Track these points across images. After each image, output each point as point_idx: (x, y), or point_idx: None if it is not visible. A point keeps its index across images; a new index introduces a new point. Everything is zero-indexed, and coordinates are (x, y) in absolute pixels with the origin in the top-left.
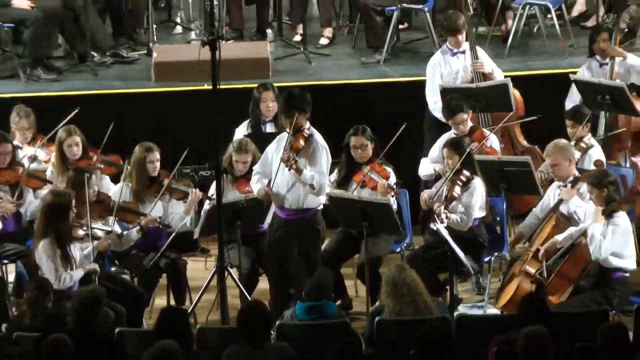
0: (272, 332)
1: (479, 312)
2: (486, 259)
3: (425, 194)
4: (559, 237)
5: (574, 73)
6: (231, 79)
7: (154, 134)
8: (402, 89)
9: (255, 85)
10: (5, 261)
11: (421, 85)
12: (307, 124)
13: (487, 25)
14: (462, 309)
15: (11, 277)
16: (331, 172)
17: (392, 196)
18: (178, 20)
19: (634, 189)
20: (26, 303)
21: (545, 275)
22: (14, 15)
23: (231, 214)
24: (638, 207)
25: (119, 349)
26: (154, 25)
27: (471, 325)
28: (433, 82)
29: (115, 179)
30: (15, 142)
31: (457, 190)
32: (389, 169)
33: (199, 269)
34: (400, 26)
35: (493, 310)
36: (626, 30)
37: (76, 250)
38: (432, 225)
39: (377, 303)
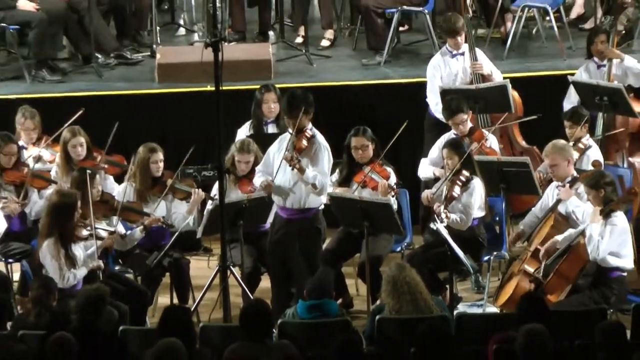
0: (274, 330)
1: (479, 310)
2: (485, 258)
3: (427, 192)
4: (559, 238)
5: (572, 75)
6: (233, 81)
7: (158, 134)
8: (403, 90)
9: (258, 86)
10: (10, 260)
11: (421, 86)
12: (310, 125)
13: (487, 27)
14: (461, 308)
15: (16, 276)
16: (332, 172)
17: (393, 196)
18: (181, 22)
19: (632, 189)
20: (31, 301)
21: (545, 273)
22: (19, 17)
23: (233, 213)
24: (635, 207)
25: (122, 347)
26: (158, 27)
27: (471, 324)
28: (433, 83)
29: (119, 179)
30: (21, 143)
31: (456, 190)
32: (390, 169)
33: (201, 268)
34: (401, 28)
35: (492, 309)
36: (623, 32)
37: (79, 250)
38: (432, 225)
39: (378, 302)
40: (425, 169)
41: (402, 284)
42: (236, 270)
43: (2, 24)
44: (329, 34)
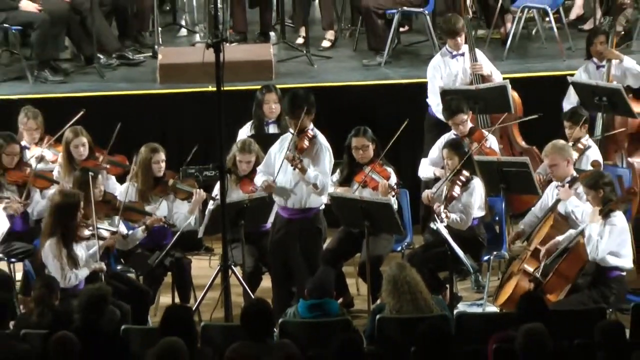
0: (275, 329)
1: (478, 310)
2: (485, 258)
3: (427, 192)
4: (560, 238)
5: (572, 75)
6: (235, 81)
7: (159, 134)
8: (403, 91)
9: (259, 87)
10: (12, 260)
11: (421, 87)
12: (311, 125)
13: (487, 28)
14: (461, 307)
15: (19, 276)
16: (333, 172)
17: (393, 196)
18: (183, 23)
19: (631, 189)
20: (34, 301)
21: (545, 273)
22: (21, 18)
23: (235, 213)
24: (634, 207)
25: (124, 346)
26: (159, 28)
27: (470, 323)
28: (434, 84)
29: (121, 179)
30: (23, 143)
31: (456, 190)
32: (390, 170)
33: (203, 268)
34: (401, 29)
35: (492, 308)
36: (622, 33)
37: (82, 250)
38: (432, 225)
39: (378, 301)
40: (426, 169)
41: (402, 284)
42: (237, 270)
43: (5, 25)
44: (330, 34)
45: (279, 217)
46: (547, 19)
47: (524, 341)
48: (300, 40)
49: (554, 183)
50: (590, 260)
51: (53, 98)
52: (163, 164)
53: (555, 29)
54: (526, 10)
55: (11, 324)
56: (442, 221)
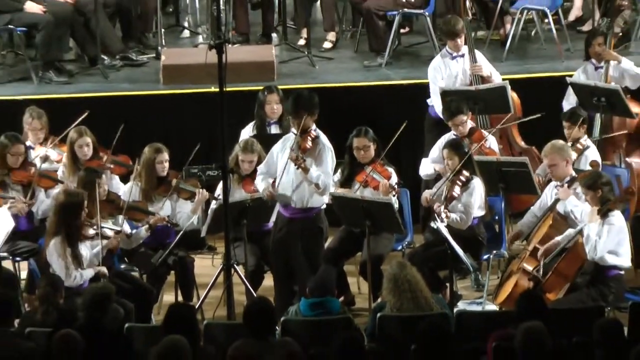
0: (277, 327)
1: (478, 308)
2: (485, 257)
3: (426, 193)
4: (559, 238)
5: (570, 76)
6: (237, 82)
7: (163, 135)
8: (404, 92)
9: (261, 87)
10: (17, 258)
11: (422, 87)
12: (314, 126)
13: (486, 29)
14: (461, 305)
15: (23, 274)
16: (334, 172)
17: (394, 195)
18: (186, 24)
19: (629, 189)
20: (38, 299)
21: (544, 272)
22: (26, 19)
23: (237, 212)
24: (632, 207)
25: (128, 344)
26: (163, 30)
27: (470, 321)
28: (436, 84)
29: (124, 179)
30: (28, 143)
31: (456, 190)
32: (391, 169)
33: (206, 266)
34: (402, 30)
35: (492, 307)
36: (620, 34)
37: (86, 249)
38: (432, 224)
39: (379, 299)
40: (426, 167)
41: (403, 282)
42: (240, 269)
43: (10, 26)
44: (331, 36)
45: (281, 217)
46: (546, 20)
47: (523, 339)
48: (301, 42)
49: (553, 183)
50: (589, 260)
51: (57, 99)
52: (166, 164)
53: (554, 31)
54: (525, 11)
55: (16, 322)
56: (442, 221)
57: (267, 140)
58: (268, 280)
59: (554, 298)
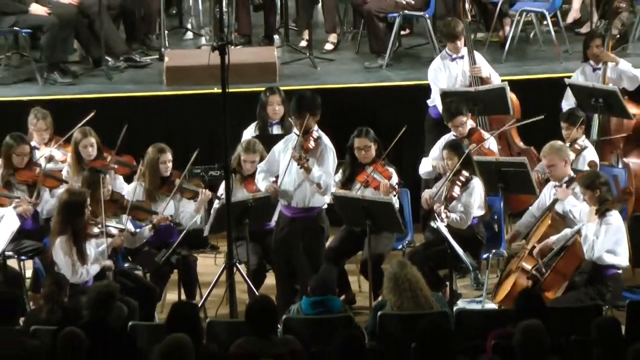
0: (278, 325)
1: (478, 306)
2: (484, 256)
3: (426, 194)
4: (553, 238)
5: (569, 77)
6: (240, 83)
7: (166, 135)
8: (404, 93)
9: (263, 88)
10: (23, 257)
11: (422, 89)
12: (315, 126)
13: (486, 31)
14: (461, 304)
15: (28, 273)
16: (336, 172)
17: (394, 195)
18: (189, 26)
19: (626, 189)
20: (43, 298)
21: (543, 271)
22: (31, 21)
23: (240, 212)
24: (630, 206)
25: (131, 342)
26: (166, 31)
27: (470, 320)
28: (438, 85)
29: (128, 179)
30: (33, 143)
31: (456, 190)
32: (391, 170)
33: (208, 265)
34: (402, 32)
35: (491, 305)
36: (618, 36)
37: (91, 248)
38: (432, 224)
39: (380, 298)
40: (425, 165)
41: (403, 281)
42: (242, 268)
43: (15, 28)
44: (333, 37)
45: (283, 216)
46: (545, 22)
47: (522, 337)
48: (303, 43)
49: (552, 183)
50: (586, 259)
51: (62, 99)
52: (170, 164)
53: (552, 32)
54: (524, 13)
55: (21, 320)
56: (442, 221)
57: (269, 141)
58: (270, 279)
59: (553, 297)
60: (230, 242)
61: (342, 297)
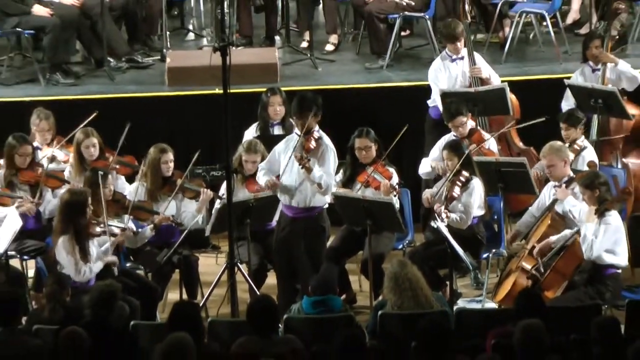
0: (279, 325)
1: (478, 306)
2: (484, 256)
3: (427, 193)
4: (553, 238)
5: (568, 78)
6: (241, 84)
7: (168, 135)
8: (404, 93)
9: (264, 89)
10: (25, 257)
11: (422, 89)
12: (317, 127)
13: (485, 32)
14: (461, 303)
15: (31, 272)
16: (336, 172)
17: (395, 195)
18: (190, 27)
19: (625, 189)
20: (45, 297)
21: (542, 270)
22: (34, 22)
23: (241, 212)
24: (629, 206)
25: (133, 342)
26: (168, 32)
27: (470, 319)
28: (438, 86)
29: (130, 179)
30: (35, 144)
31: (456, 190)
32: (392, 170)
33: (210, 265)
34: (403, 33)
35: (491, 304)
36: (617, 37)
37: (93, 247)
38: (432, 223)
39: (380, 297)
40: (425, 166)
41: (403, 281)
42: (243, 267)
43: (18, 29)
44: (333, 38)
45: (284, 216)
46: (544, 23)
47: (522, 336)
48: (304, 44)
49: (551, 183)
50: (586, 259)
51: (64, 100)
52: (171, 164)
53: (552, 33)
54: (524, 15)
55: (24, 319)
56: (442, 220)
57: (270, 141)
58: (271, 279)
59: (552, 296)
60: (232, 242)
61: (343, 296)
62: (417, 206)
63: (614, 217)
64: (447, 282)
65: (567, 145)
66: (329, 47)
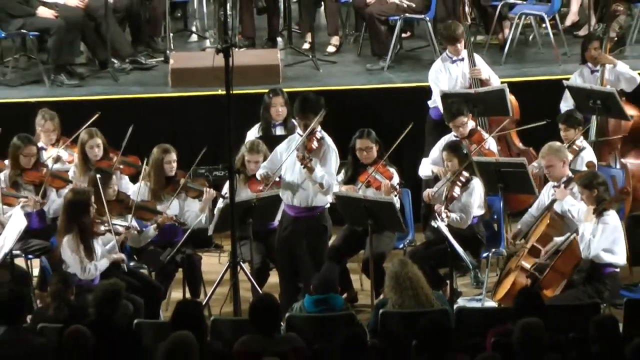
0: (281, 323)
1: (477, 304)
2: (484, 255)
3: (428, 190)
4: (559, 240)
5: (567, 79)
6: (243, 85)
7: (171, 136)
8: (405, 94)
9: (266, 90)
10: (30, 256)
11: (423, 90)
12: (319, 127)
13: (485, 34)
14: (461, 302)
15: (35, 271)
16: (338, 173)
17: (396, 195)
18: (194, 29)
19: (624, 189)
20: (50, 296)
21: (541, 270)
22: (38, 24)
23: (243, 211)
24: (627, 206)
25: (137, 340)
26: (171, 34)
27: (470, 317)
28: (438, 87)
29: (134, 179)
30: (40, 144)
31: (456, 190)
32: (393, 170)
33: (213, 264)
34: (403, 35)
35: (491, 303)
36: (616, 39)
37: (97, 246)
38: (433, 223)
39: (381, 296)
40: (425, 168)
41: (404, 280)
42: (246, 266)
43: (23, 31)
44: (335, 40)
45: (286, 216)
46: (544, 25)
47: (521, 335)
48: (306, 46)
49: (550, 183)
50: (584, 258)
51: (69, 101)
52: (174, 164)
53: (551, 35)
54: (523, 17)
55: (28, 318)
56: (442, 220)
57: (272, 142)
58: (273, 278)
59: (551, 295)
60: (234, 241)
61: (344, 295)
62: (417, 206)
63: (612, 216)
64: (448, 281)
65: (566, 145)
66: (331, 49)
